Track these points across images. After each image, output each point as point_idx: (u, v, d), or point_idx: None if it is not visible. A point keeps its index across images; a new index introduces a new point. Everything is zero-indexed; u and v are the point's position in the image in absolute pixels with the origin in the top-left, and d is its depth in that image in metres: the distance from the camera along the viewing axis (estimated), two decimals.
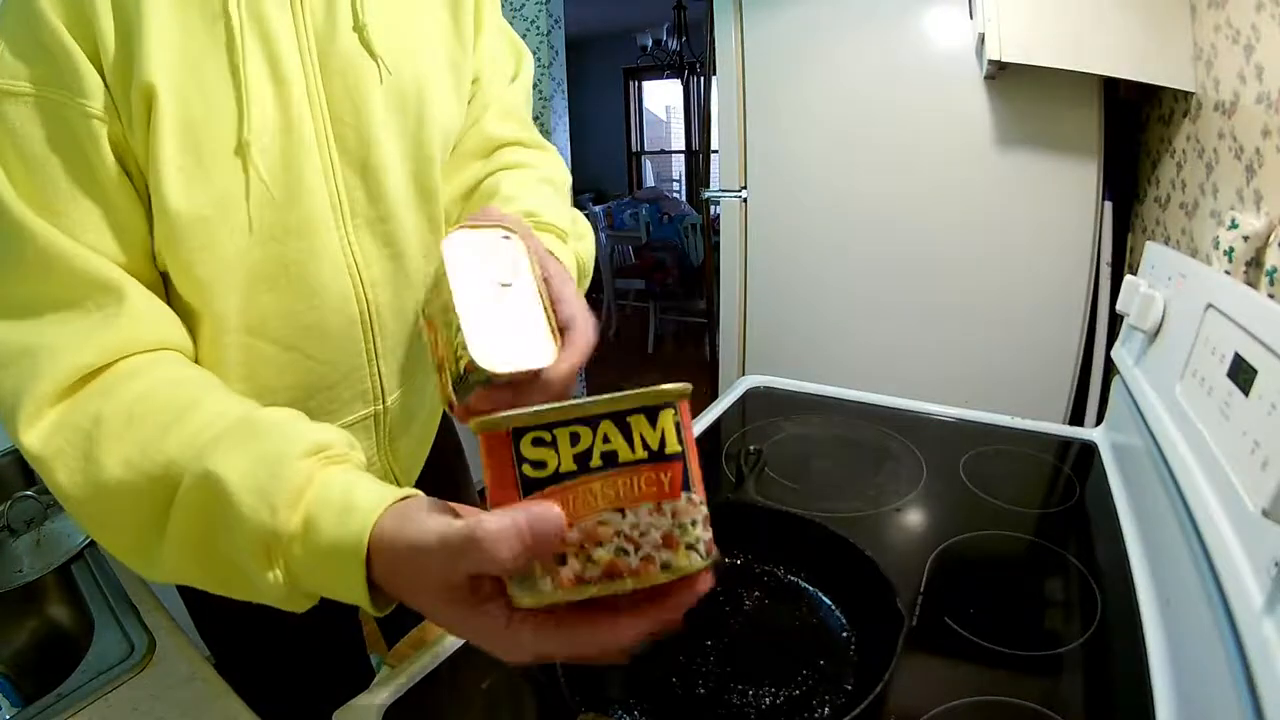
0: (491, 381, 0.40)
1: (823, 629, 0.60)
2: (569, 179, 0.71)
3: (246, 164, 0.48)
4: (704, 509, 0.33)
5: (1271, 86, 0.88)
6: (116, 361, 0.45)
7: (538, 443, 0.32)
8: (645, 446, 0.32)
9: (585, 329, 0.45)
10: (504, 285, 0.43)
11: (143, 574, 0.45)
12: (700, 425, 1.03)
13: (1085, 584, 0.68)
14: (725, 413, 1.09)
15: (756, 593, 0.65)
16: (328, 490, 0.38)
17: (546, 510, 0.31)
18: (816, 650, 0.58)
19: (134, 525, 0.42)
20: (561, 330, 0.44)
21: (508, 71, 0.70)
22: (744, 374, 1.48)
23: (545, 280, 0.44)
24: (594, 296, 4.54)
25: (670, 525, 0.32)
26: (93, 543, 0.81)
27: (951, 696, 0.54)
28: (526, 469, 0.32)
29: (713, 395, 1.16)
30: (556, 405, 0.32)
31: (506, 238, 0.43)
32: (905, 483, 0.87)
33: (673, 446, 0.32)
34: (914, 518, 0.81)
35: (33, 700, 0.60)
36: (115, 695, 0.59)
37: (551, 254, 0.52)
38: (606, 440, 0.32)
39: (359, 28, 0.53)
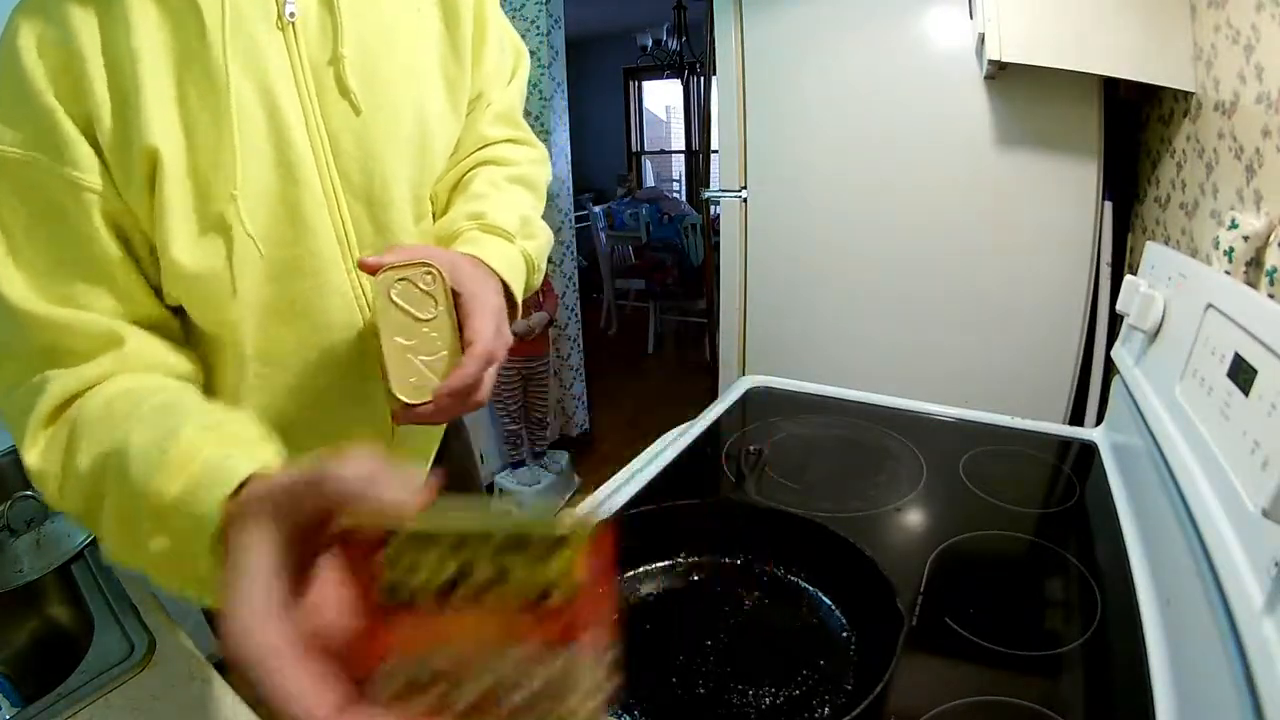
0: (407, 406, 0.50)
1: (823, 629, 0.60)
2: (548, 174, 0.73)
3: (238, 219, 0.48)
4: (599, 666, 0.27)
5: (1271, 86, 0.87)
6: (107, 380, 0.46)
7: (410, 548, 0.27)
8: (534, 584, 0.27)
9: (483, 346, 0.50)
10: (421, 320, 0.50)
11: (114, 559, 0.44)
12: (700, 425, 1.03)
13: (1085, 584, 0.68)
14: (725, 413, 1.08)
15: (756, 593, 0.65)
16: (209, 461, 0.35)
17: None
18: (816, 650, 0.58)
19: (98, 512, 0.41)
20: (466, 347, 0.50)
21: (506, 74, 0.70)
22: (744, 374, 1.48)
23: (456, 307, 0.51)
24: (594, 296, 4.54)
25: (558, 675, 0.27)
26: (93, 542, 0.81)
27: (951, 696, 0.54)
28: (388, 577, 0.27)
29: (713, 395, 1.16)
30: (442, 515, 0.27)
31: (429, 273, 0.50)
32: (905, 483, 0.87)
33: (567, 588, 0.27)
34: (914, 518, 0.81)
35: (33, 700, 0.60)
36: (115, 695, 0.60)
37: (482, 261, 0.55)
38: (488, 567, 0.27)
39: (335, 60, 0.51)
